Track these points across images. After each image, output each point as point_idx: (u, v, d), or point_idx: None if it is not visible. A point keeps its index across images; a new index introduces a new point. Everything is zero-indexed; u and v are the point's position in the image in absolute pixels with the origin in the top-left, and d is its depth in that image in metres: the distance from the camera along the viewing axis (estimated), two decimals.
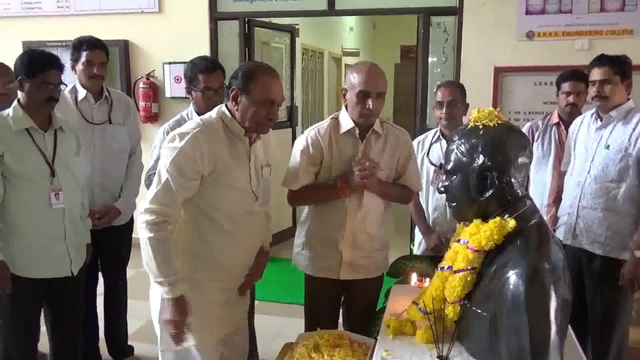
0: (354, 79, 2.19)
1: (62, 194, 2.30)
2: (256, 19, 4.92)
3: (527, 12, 4.16)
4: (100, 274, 3.05)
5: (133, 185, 2.95)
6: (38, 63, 2.25)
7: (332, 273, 2.34)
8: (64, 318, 2.50)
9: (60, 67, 2.32)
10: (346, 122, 2.27)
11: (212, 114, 1.98)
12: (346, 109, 2.29)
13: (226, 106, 1.96)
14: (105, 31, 5.00)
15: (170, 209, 1.87)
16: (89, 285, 2.84)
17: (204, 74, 2.55)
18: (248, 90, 1.89)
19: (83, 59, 2.77)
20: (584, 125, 2.63)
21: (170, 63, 4.81)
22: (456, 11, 4.31)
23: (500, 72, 4.24)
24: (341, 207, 2.28)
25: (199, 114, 2.38)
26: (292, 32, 5.63)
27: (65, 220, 2.34)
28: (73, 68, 2.82)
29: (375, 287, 2.44)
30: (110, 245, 2.90)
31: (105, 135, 2.84)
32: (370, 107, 2.16)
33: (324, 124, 2.32)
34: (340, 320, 2.53)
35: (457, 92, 2.63)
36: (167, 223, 1.87)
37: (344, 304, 2.51)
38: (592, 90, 2.51)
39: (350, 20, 9.33)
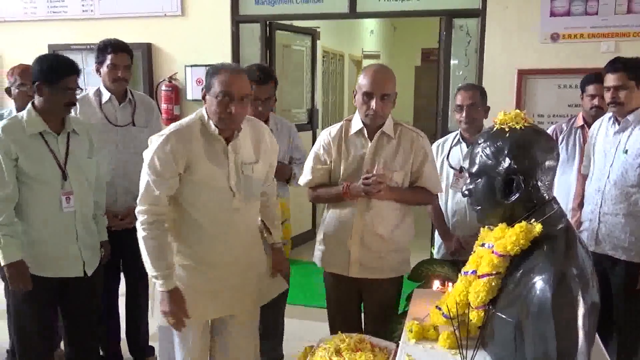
0: (361, 81, 2.28)
1: (72, 198, 2.35)
2: (277, 21, 4.93)
3: (552, 14, 4.10)
4: (122, 274, 3.08)
5: None
6: (59, 69, 2.29)
7: (342, 269, 2.39)
8: (79, 319, 2.54)
9: (78, 72, 2.36)
10: (356, 123, 2.36)
11: (193, 115, 2.09)
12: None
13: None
14: (128, 34, 5.06)
15: (158, 207, 2.02)
16: (111, 285, 2.88)
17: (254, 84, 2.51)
18: (209, 87, 1.99)
19: (107, 62, 2.80)
20: (602, 129, 2.59)
21: (192, 66, 4.85)
22: (479, 13, 4.26)
23: (523, 75, 4.18)
24: (351, 207, 2.34)
25: None
26: (313, 34, 5.64)
27: (76, 222, 2.39)
28: (98, 70, 2.86)
29: (390, 289, 2.44)
30: (131, 246, 2.92)
31: (128, 137, 2.86)
32: (374, 108, 2.23)
33: (337, 125, 2.42)
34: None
35: (477, 96, 2.60)
36: (160, 221, 2.03)
37: (363, 306, 2.52)
38: (607, 97, 2.49)
39: (370, 23, 9.31)
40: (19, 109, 2.78)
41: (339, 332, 2.00)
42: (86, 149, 2.46)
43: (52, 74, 2.27)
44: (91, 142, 2.49)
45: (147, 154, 2.01)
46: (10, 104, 2.98)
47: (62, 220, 2.35)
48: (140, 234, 2.03)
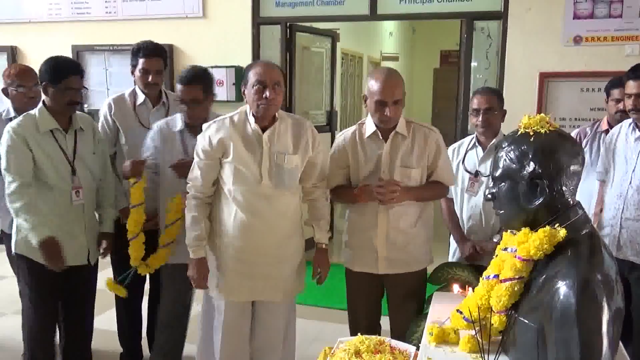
0: (372, 87, 2.31)
1: (82, 192, 2.49)
2: (298, 23, 4.95)
3: (575, 17, 4.05)
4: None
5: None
6: (61, 70, 2.41)
7: (371, 268, 2.45)
8: (78, 307, 2.67)
9: (81, 73, 2.48)
10: (370, 126, 2.41)
11: (238, 109, 2.34)
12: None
13: None
14: (150, 36, 5.08)
15: (199, 186, 2.31)
16: (136, 283, 2.90)
17: None
18: (246, 81, 2.23)
19: (140, 66, 2.82)
20: (622, 136, 2.57)
21: (213, 67, 4.87)
22: (501, 16, 4.23)
23: (545, 78, 4.15)
24: (373, 205, 2.37)
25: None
26: (333, 36, 5.65)
27: (85, 214, 2.54)
28: (132, 73, 2.89)
29: (417, 280, 2.50)
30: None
31: None
32: (388, 114, 2.29)
33: (351, 129, 2.49)
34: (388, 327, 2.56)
35: (494, 100, 2.58)
36: (199, 198, 2.33)
37: (387, 301, 2.56)
38: (628, 104, 2.46)
39: (389, 25, 9.30)
40: (17, 110, 2.86)
41: (361, 331, 2.00)
42: (91, 145, 2.59)
43: (55, 75, 2.40)
44: (95, 137, 2.62)
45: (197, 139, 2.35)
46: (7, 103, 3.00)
47: (72, 213, 2.50)
48: (186, 209, 2.35)
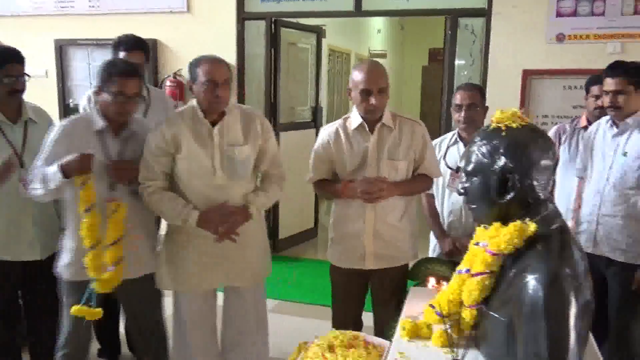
0: (356, 78, 2.32)
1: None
2: (283, 19, 4.93)
3: (558, 15, 4.07)
4: None
5: None
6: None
7: (358, 264, 2.45)
8: (39, 305, 2.62)
9: (21, 61, 2.42)
10: (356, 119, 2.40)
11: (187, 104, 2.36)
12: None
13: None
14: (134, 30, 5.01)
15: (155, 181, 2.27)
16: None
17: None
18: (195, 78, 2.23)
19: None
20: (600, 133, 2.59)
21: None
22: (485, 13, 4.24)
23: (529, 76, 4.17)
24: (358, 201, 2.37)
25: None
26: (319, 32, 5.63)
27: (34, 207, 2.45)
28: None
29: (401, 275, 2.51)
30: None
31: None
32: (374, 103, 2.29)
33: (335, 123, 2.49)
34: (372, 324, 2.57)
35: (476, 96, 2.59)
36: (160, 187, 2.28)
37: (371, 296, 2.56)
38: (606, 100, 2.48)
39: (377, 22, 9.29)
40: None
41: (345, 328, 2.00)
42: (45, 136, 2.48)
43: None
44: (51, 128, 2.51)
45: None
46: None
47: (18, 205, 2.44)
48: (147, 202, 2.27)
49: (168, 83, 4.95)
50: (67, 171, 2.14)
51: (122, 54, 2.74)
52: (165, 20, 4.99)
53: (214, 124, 2.29)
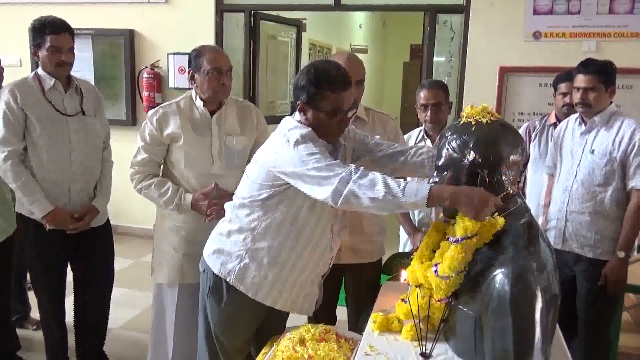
0: None
1: None
2: (262, 12, 4.90)
3: (535, 12, 4.11)
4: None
5: (108, 182, 2.73)
6: None
7: (335, 259, 2.37)
8: None
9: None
10: None
11: (184, 95, 2.39)
12: None
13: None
14: (111, 20, 5.02)
15: (147, 169, 2.35)
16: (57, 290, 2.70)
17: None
18: (198, 67, 2.25)
19: (47, 44, 2.44)
20: (569, 130, 2.61)
21: (175, 54, 4.80)
22: (463, 10, 4.27)
23: (505, 73, 4.20)
24: None
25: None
26: (299, 26, 5.61)
27: None
28: (35, 54, 2.51)
29: (375, 271, 2.51)
30: (93, 249, 2.71)
31: (81, 128, 2.56)
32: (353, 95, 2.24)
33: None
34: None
35: (440, 94, 2.57)
36: (152, 175, 2.35)
37: (345, 291, 2.54)
38: (576, 97, 2.49)
39: (359, 17, 9.28)
40: None
41: (316, 321, 2.01)
42: None
43: None
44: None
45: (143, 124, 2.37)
46: None
47: None
48: (140, 190, 2.34)
49: (145, 75, 4.88)
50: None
51: (49, 37, 2.44)
52: (142, 11, 4.92)
53: (211, 113, 2.34)
